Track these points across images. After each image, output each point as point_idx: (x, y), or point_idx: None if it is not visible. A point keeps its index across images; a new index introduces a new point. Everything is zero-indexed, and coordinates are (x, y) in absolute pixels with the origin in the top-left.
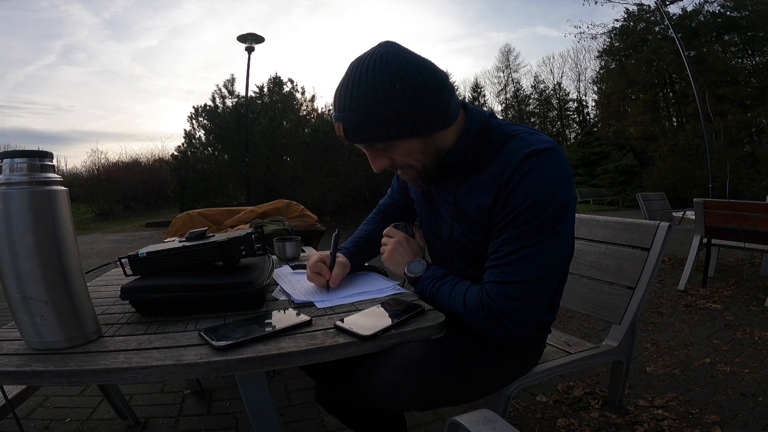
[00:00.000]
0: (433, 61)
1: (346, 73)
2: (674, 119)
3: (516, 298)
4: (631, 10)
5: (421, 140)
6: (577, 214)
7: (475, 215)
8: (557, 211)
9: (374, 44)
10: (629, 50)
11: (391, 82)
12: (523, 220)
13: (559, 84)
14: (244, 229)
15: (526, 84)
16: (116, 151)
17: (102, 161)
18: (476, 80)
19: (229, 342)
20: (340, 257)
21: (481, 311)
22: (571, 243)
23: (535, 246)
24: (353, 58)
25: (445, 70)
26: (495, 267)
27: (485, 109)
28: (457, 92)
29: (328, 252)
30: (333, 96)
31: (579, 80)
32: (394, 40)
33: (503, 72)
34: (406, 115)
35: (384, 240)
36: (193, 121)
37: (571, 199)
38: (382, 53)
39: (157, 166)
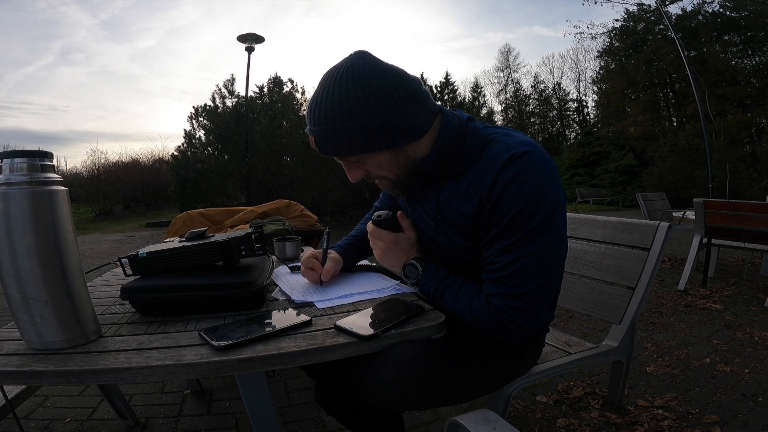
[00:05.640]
0: (404, 69)
1: (317, 86)
2: (674, 119)
3: (523, 308)
4: (630, 10)
5: (391, 153)
6: (577, 214)
7: (458, 221)
8: (546, 216)
9: (355, 49)
10: (629, 50)
11: (356, 98)
12: (513, 229)
13: (559, 84)
14: (244, 229)
15: (526, 84)
16: (116, 151)
17: (102, 161)
18: (476, 80)
19: (229, 342)
20: (332, 253)
21: (490, 321)
22: (565, 242)
23: (531, 256)
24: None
25: (418, 77)
26: (496, 280)
27: (482, 113)
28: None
29: (320, 249)
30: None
31: (579, 80)
32: (365, 50)
33: (503, 72)
34: (373, 129)
35: (371, 241)
36: (193, 121)
37: (559, 201)
38: (349, 67)
39: (157, 166)
